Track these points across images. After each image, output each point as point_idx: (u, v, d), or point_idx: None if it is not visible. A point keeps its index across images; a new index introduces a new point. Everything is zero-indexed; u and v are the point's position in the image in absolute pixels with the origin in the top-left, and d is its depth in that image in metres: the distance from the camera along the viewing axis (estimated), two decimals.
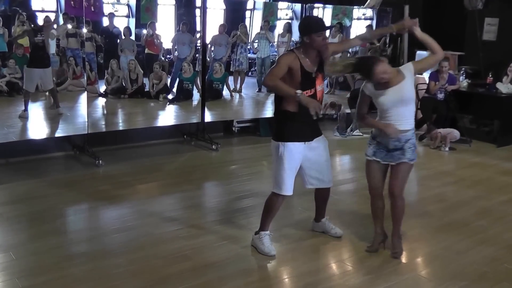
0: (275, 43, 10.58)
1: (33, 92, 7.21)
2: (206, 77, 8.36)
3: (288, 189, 4.01)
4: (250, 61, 10.68)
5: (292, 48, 4.05)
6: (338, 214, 4.96)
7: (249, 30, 11.32)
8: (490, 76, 8.66)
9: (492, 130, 8.38)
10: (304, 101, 3.64)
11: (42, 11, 9.05)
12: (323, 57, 3.91)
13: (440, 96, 8.00)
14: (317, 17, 5.65)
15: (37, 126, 7.33)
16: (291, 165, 3.95)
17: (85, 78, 8.08)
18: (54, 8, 9.29)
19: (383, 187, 4.12)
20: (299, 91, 3.66)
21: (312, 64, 3.89)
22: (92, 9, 8.93)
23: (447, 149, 7.69)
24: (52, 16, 8.21)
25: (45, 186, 5.51)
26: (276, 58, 3.96)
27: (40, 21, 7.47)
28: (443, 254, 4.18)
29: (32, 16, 7.48)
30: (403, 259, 4.13)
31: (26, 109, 7.01)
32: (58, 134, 7.07)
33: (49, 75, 7.13)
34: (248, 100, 10.20)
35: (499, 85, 8.31)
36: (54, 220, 4.63)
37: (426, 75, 8.46)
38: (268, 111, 9.76)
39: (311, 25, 3.86)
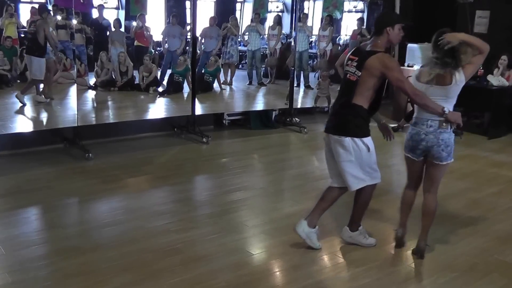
0: (266, 35, 10.55)
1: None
2: (198, 69, 8.33)
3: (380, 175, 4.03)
4: (240, 53, 10.65)
5: (369, 44, 3.82)
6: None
7: (240, 23, 11.29)
8: (481, 68, 8.67)
9: (483, 122, 8.42)
10: (452, 117, 3.79)
11: (31, 2, 8.96)
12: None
13: None
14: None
15: (27, 119, 7.28)
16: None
17: (75, 70, 8.04)
18: (43, 0, 9.19)
19: None
20: (446, 109, 3.78)
21: None
22: (82, 1, 8.87)
23: None
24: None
25: (34, 179, 5.46)
26: (388, 63, 3.69)
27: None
28: (433, 246, 4.19)
29: None
30: (392, 251, 4.14)
31: None
32: (48, 127, 7.01)
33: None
34: (239, 93, 10.16)
35: (490, 78, 8.33)
36: (44, 214, 4.60)
37: (416, 68, 8.46)
38: (259, 104, 9.74)
39: (395, 16, 4.05)
